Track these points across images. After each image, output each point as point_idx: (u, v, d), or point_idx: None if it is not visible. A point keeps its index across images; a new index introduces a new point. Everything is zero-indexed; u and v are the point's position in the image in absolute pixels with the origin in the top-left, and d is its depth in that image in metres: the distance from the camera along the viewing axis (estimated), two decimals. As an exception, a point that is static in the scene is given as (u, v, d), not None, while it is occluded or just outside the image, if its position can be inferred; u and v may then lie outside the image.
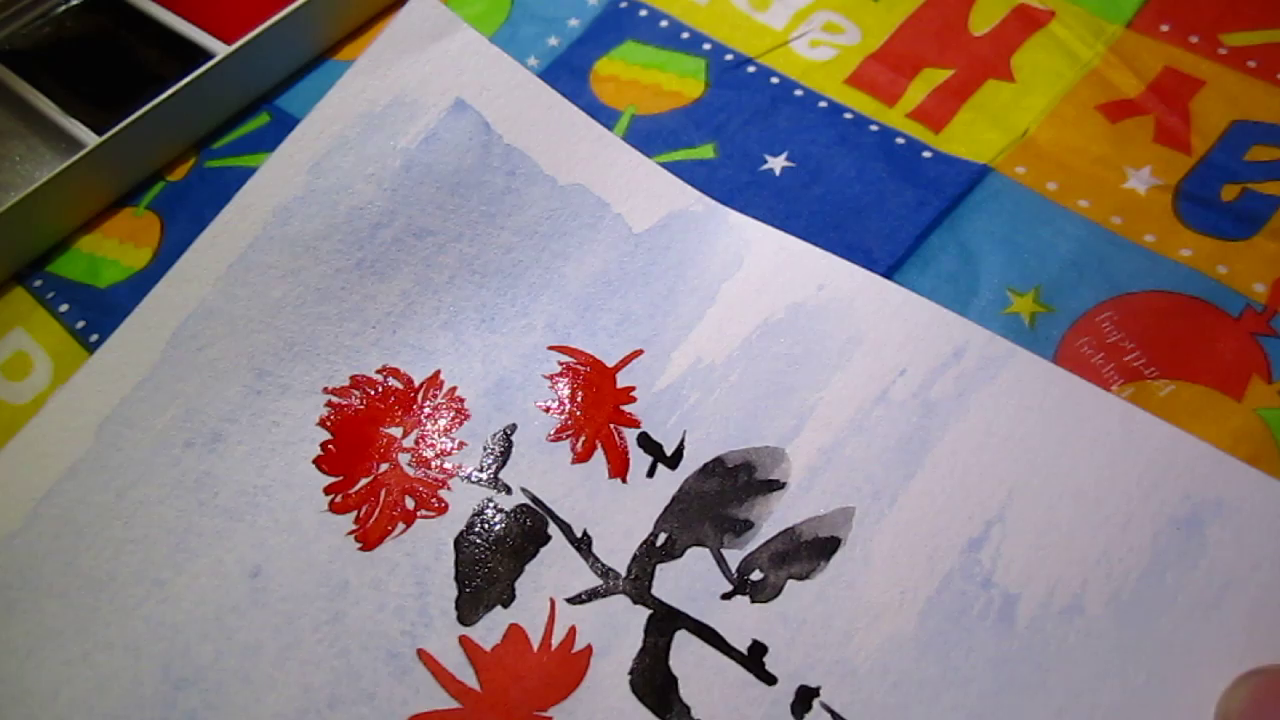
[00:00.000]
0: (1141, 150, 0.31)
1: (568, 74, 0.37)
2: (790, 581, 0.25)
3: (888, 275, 0.30)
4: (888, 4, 0.37)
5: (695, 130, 0.34)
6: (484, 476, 0.28)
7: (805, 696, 0.24)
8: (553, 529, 0.27)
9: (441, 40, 0.36)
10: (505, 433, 0.29)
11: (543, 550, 0.27)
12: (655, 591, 0.26)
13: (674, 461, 0.28)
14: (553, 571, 0.26)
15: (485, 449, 0.28)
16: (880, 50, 0.35)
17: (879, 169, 0.32)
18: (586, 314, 0.30)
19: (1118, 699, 0.23)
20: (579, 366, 0.30)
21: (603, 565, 0.26)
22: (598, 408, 0.29)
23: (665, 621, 0.25)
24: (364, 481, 0.28)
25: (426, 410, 0.29)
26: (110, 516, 0.28)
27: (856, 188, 0.32)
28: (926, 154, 0.32)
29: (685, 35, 0.37)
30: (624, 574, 0.26)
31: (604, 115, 0.35)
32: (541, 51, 0.37)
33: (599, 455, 0.28)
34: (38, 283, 0.35)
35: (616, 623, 0.25)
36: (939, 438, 0.26)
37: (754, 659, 0.24)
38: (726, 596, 0.25)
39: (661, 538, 0.26)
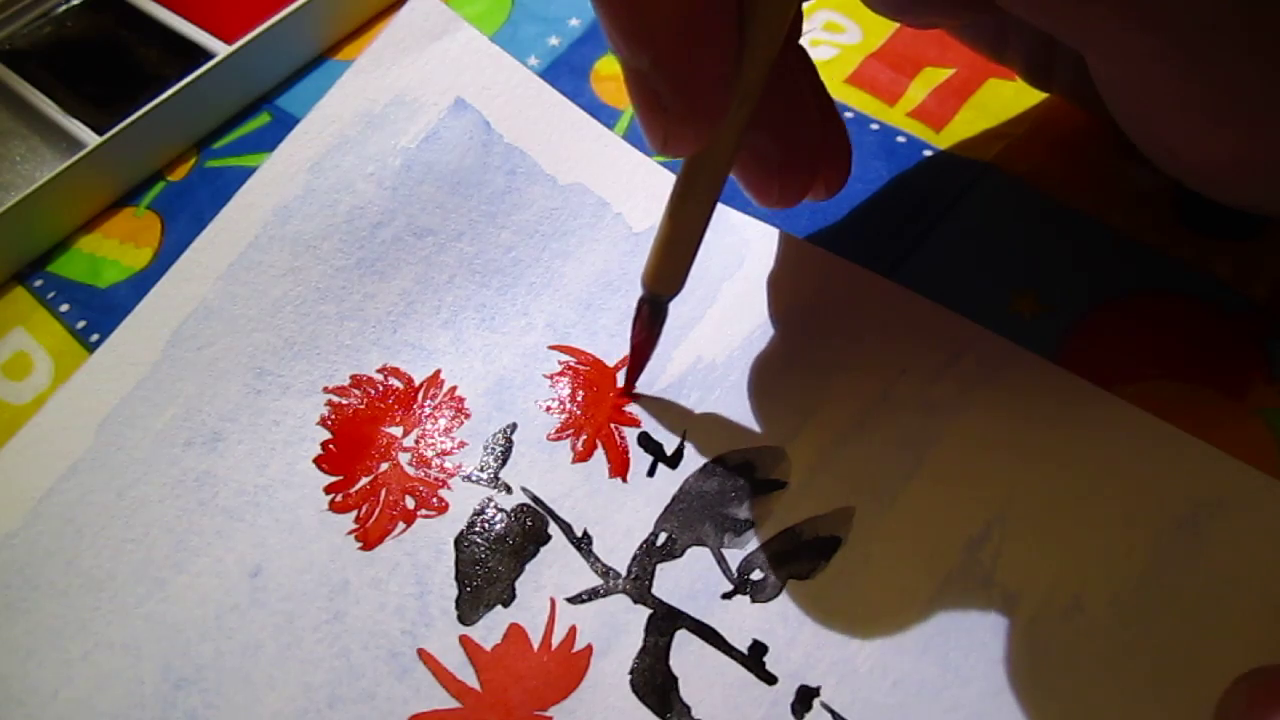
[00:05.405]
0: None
1: (568, 73, 0.36)
2: (790, 581, 0.25)
3: (888, 275, 0.30)
4: (888, 3, 0.37)
5: (695, 130, 0.34)
6: (484, 476, 0.28)
7: (805, 696, 0.24)
8: (553, 528, 0.27)
9: (441, 40, 0.36)
10: (505, 432, 0.29)
11: (543, 550, 0.27)
12: (655, 591, 0.26)
13: (674, 461, 0.28)
14: (553, 571, 0.26)
15: (485, 448, 0.28)
16: (881, 49, 0.35)
17: (879, 168, 0.32)
18: (587, 313, 0.30)
19: (1118, 699, 0.23)
20: (579, 366, 0.30)
21: (603, 565, 0.26)
22: (598, 407, 0.29)
23: (665, 621, 0.25)
24: (364, 481, 0.28)
25: (426, 410, 0.29)
26: (110, 516, 0.28)
27: (856, 187, 0.32)
28: (927, 153, 0.32)
29: (685, 35, 0.37)
30: (624, 573, 0.26)
31: (604, 115, 0.35)
32: (542, 51, 0.37)
33: (599, 455, 0.28)
34: (38, 283, 0.35)
35: (617, 622, 0.25)
36: (939, 438, 0.26)
37: (754, 659, 0.24)
38: (727, 596, 0.25)
39: (662, 537, 0.26)
